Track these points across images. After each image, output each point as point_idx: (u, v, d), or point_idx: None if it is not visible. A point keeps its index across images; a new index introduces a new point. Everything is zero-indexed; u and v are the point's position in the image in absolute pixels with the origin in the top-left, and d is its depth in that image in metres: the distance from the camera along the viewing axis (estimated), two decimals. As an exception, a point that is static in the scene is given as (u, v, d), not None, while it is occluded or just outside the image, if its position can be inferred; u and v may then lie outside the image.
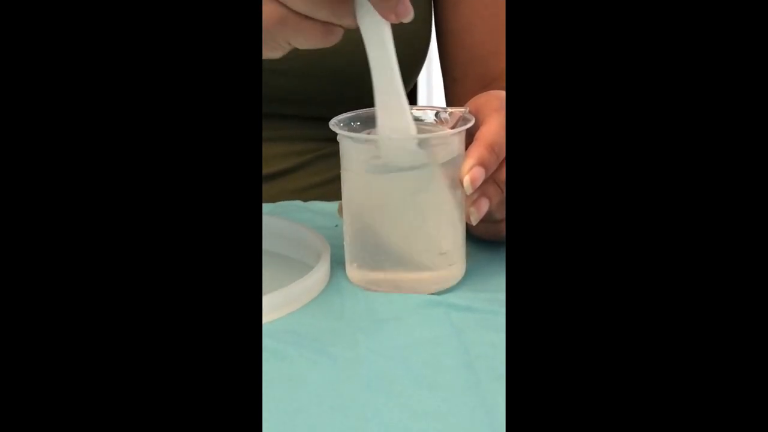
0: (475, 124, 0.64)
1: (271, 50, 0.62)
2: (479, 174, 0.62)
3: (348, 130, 0.64)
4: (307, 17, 0.59)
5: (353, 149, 0.63)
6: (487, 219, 0.64)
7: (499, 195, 0.64)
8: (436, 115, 0.65)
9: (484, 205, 0.63)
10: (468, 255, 0.66)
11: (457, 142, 0.63)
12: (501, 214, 0.66)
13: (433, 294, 0.63)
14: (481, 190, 0.63)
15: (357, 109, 0.66)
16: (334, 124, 0.63)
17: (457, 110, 0.65)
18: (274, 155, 0.89)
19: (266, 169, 0.88)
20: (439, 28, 0.92)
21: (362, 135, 0.63)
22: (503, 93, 0.67)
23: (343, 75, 0.85)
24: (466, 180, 0.62)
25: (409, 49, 0.88)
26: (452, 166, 0.62)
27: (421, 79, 1.07)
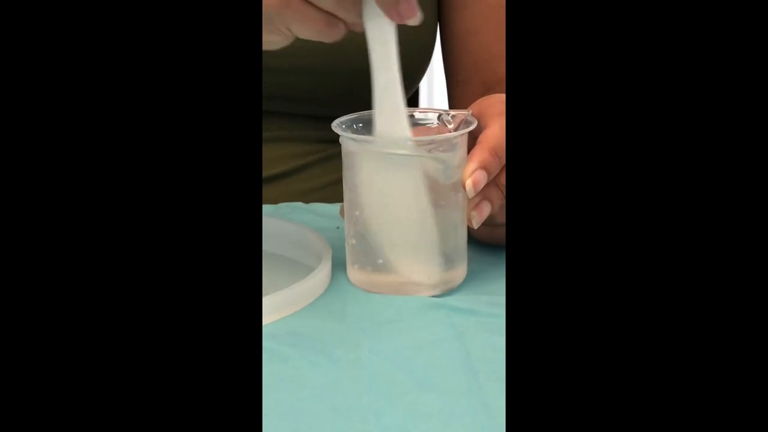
0: (477, 127, 0.64)
1: (270, 34, 0.61)
2: (481, 177, 0.62)
3: (351, 132, 0.64)
4: (311, 4, 0.59)
5: (356, 150, 0.63)
6: (488, 223, 0.65)
7: (501, 199, 0.64)
8: (439, 117, 0.65)
9: (486, 209, 0.63)
10: (469, 258, 0.66)
11: (459, 144, 0.63)
12: (503, 217, 0.66)
13: (434, 296, 0.63)
14: (483, 193, 0.63)
15: (367, 109, 0.66)
16: (336, 125, 0.63)
17: (460, 113, 0.65)
18: (276, 157, 0.89)
19: (268, 171, 0.88)
20: (444, 31, 0.92)
21: (365, 137, 0.64)
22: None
23: (357, 75, 0.85)
24: (468, 183, 0.62)
25: (414, 53, 0.88)
26: (454, 168, 0.62)
27: (423, 82, 1.06)
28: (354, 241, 0.64)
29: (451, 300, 0.62)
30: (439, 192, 0.62)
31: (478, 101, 0.69)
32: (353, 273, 0.65)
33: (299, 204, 0.83)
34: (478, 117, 0.65)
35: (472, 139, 0.64)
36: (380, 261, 0.63)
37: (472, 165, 0.62)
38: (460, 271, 0.65)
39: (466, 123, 0.64)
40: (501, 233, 0.68)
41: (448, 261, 0.64)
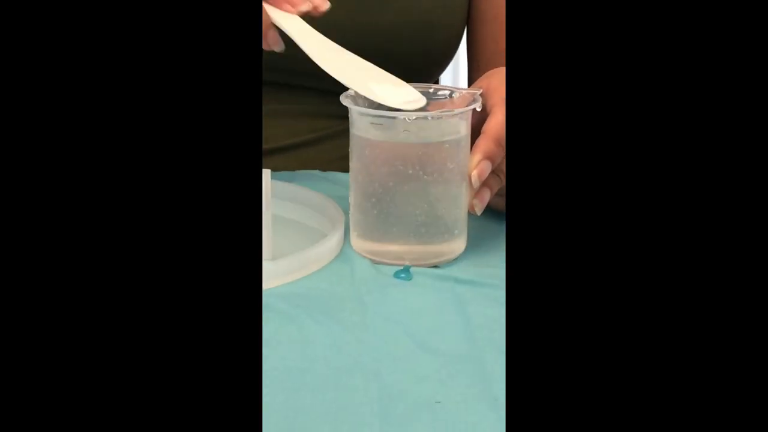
0: (483, 111, 0.66)
1: None
2: (486, 168, 0.64)
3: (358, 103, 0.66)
4: None
5: (362, 118, 0.65)
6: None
7: (498, 184, 0.67)
8: (450, 94, 0.67)
9: (486, 196, 0.66)
10: (469, 230, 0.68)
11: (463, 121, 0.64)
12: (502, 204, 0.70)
13: (435, 267, 0.66)
14: (484, 182, 0.65)
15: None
16: (344, 97, 0.66)
17: (470, 91, 0.67)
18: (298, 128, 0.91)
19: (290, 140, 0.90)
20: (471, 17, 0.94)
21: (370, 110, 0.65)
22: None
23: (372, 46, 0.87)
24: (474, 174, 0.64)
25: (443, 37, 0.90)
26: (457, 143, 0.64)
27: (448, 71, 1.09)
28: (355, 209, 0.66)
29: (452, 270, 0.65)
30: (442, 165, 0.64)
31: (487, 74, 0.70)
32: (355, 240, 0.67)
33: (316, 172, 0.85)
34: (485, 96, 0.67)
35: (479, 121, 0.66)
36: (387, 231, 0.65)
37: (478, 156, 0.64)
38: (461, 242, 0.67)
39: (473, 101, 0.66)
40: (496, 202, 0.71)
41: (449, 233, 0.66)
